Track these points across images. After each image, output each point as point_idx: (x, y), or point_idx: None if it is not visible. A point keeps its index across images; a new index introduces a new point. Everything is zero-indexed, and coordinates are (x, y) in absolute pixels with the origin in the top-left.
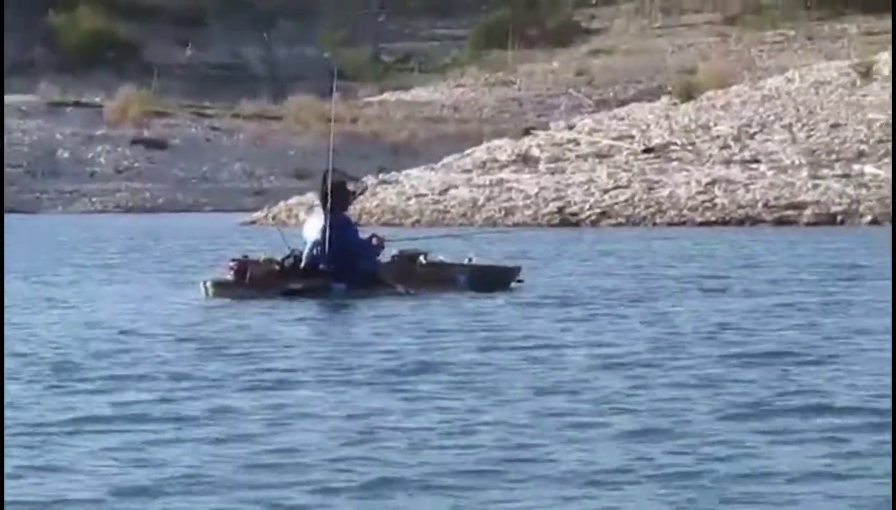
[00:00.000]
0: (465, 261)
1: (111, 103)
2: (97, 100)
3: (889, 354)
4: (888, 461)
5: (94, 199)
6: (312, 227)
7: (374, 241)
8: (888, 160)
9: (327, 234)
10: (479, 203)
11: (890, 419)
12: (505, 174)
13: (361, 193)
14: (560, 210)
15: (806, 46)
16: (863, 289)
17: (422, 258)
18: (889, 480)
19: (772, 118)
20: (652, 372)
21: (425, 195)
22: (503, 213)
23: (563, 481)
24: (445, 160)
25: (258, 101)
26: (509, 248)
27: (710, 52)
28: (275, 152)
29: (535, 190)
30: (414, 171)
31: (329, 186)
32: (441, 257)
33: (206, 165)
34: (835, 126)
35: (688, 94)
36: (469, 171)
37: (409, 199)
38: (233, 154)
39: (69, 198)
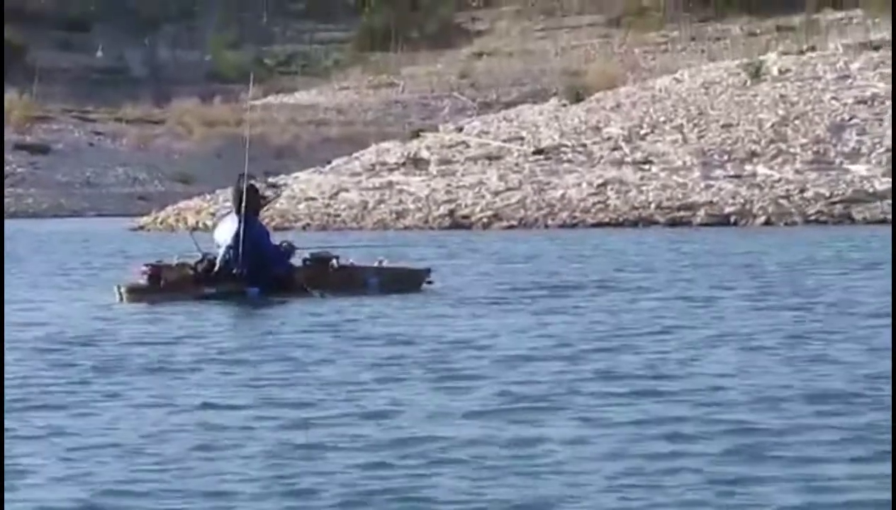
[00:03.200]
0: (376, 264)
1: None
2: None
3: None
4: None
5: None
6: (225, 231)
7: (285, 246)
8: (780, 160)
9: (241, 238)
10: (370, 206)
11: None
12: (395, 177)
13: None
14: (451, 213)
15: (689, 48)
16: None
17: (334, 261)
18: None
19: (662, 119)
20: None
21: (315, 199)
22: (394, 216)
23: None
24: (334, 163)
25: (141, 104)
26: (414, 250)
27: (594, 55)
28: (158, 156)
29: (426, 192)
30: (302, 174)
31: (243, 190)
32: (352, 260)
33: (89, 170)
34: (726, 126)
35: (577, 96)
36: (358, 174)
37: (299, 202)
38: (116, 158)
39: None
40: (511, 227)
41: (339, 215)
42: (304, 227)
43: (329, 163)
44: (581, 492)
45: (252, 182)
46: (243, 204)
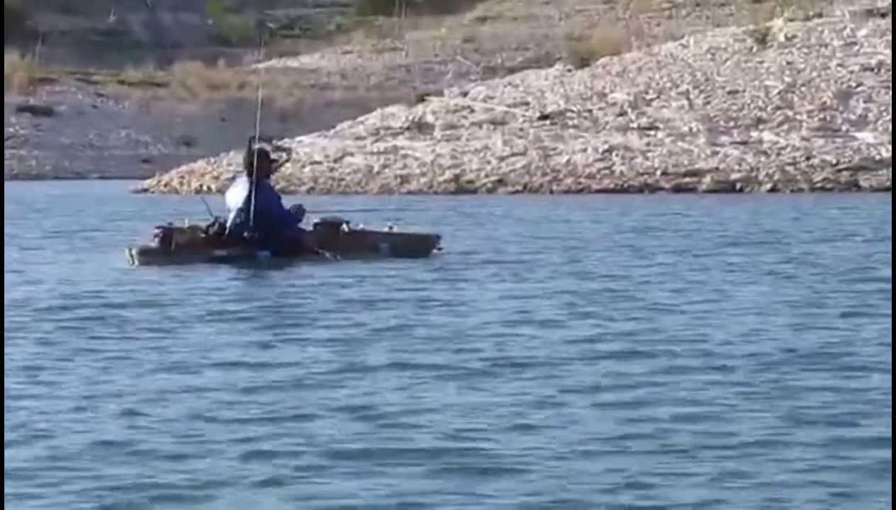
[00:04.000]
0: (386, 229)
1: None
2: None
3: None
4: None
5: None
6: (236, 194)
7: (295, 208)
8: (786, 127)
9: (252, 201)
10: (375, 170)
11: None
12: (399, 141)
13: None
14: (456, 178)
15: (693, 14)
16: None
17: (344, 226)
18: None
19: (668, 85)
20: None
21: (320, 163)
22: (399, 180)
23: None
24: (339, 127)
25: (144, 67)
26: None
27: (598, 20)
28: (162, 119)
29: (431, 157)
30: (307, 138)
31: (254, 154)
32: (362, 225)
33: (92, 132)
34: (732, 92)
35: (582, 61)
36: (363, 138)
37: (303, 166)
38: (119, 121)
39: None
40: (516, 192)
41: (343, 179)
42: (308, 191)
43: (333, 127)
44: (552, 454)
45: (262, 145)
46: (254, 167)
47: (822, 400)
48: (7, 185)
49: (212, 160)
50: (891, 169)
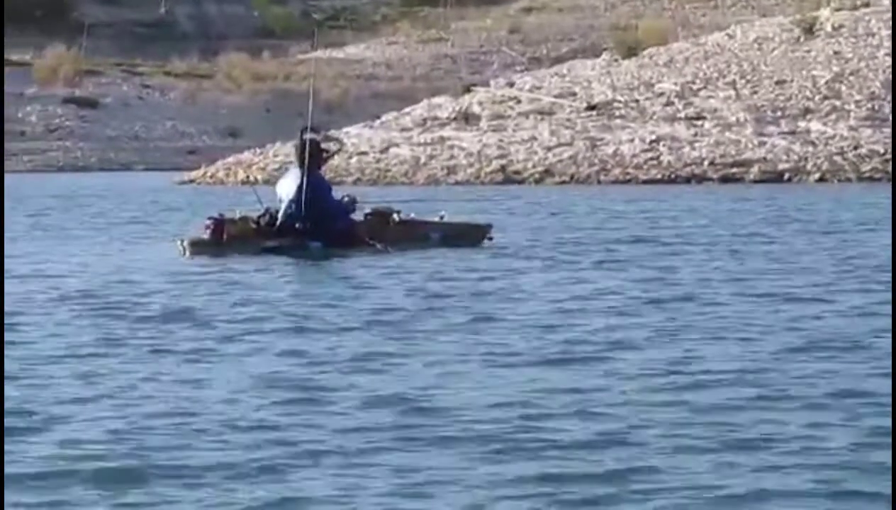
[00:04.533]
0: (437, 219)
1: (40, 62)
2: (27, 58)
3: None
4: None
5: (25, 159)
6: (287, 184)
7: (347, 200)
8: (834, 117)
9: (303, 192)
10: (421, 161)
11: None
12: (446, 132)
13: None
14: (503, 168)
15: (739, 3)
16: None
17: (395, 216)
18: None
19: (715, 75)
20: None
21: (366, 154)
22: (446, 171)
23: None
24: (385, 118)
25: (189, 58)
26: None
27: (644, 10)
28: (206, 111)
29: (478, 148)
30: (353, 129)
31: (305, 144)
32: (413, 215)
33: (137, 124)
34: (779, 82)
35: (629, 51)
36: (409, 129)
37: (350, 157)
38: (165, 112)
39: None
40: (563, 182)
41: (389, 170)
42: (354, 182)
43: (379, 117)
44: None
45: (313, 136)
46: (305, 158)
47: (854, 388)
48: (53, 176)
49: (258, 151)
50: None
